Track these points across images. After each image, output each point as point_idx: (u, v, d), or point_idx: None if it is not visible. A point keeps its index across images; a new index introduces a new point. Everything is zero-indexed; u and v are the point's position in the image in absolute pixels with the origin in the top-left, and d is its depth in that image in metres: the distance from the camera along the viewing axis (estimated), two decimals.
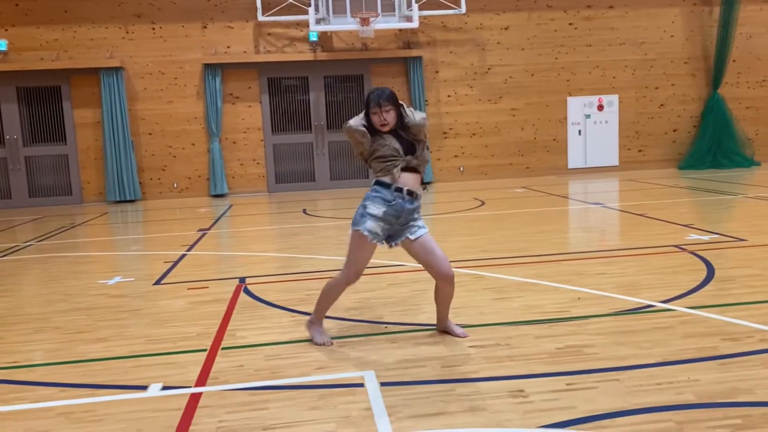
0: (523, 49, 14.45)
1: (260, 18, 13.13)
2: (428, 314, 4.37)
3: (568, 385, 3.08)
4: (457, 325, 3.99)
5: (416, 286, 5.13)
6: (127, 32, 13.35)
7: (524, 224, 8.08)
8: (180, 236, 8.45)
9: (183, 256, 7.02)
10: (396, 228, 3.71)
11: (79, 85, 13.28)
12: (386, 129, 3.60)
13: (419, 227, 3.74)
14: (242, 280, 5.70)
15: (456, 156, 14.55)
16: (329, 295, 3.84)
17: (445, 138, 14.46)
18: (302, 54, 13.68)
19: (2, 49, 12.92)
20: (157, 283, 5.75)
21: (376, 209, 3.60)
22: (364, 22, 12.80)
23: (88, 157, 13.49)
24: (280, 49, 13.77)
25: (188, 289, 5.45)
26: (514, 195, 11.44)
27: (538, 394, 2.99)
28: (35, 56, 13.09)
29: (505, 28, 14.35)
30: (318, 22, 13.00)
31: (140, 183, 13.58)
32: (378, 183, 3.64)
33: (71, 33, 13.19)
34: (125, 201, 13.38)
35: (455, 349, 3.67)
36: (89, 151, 13.48)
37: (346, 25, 13.02)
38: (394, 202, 3.60)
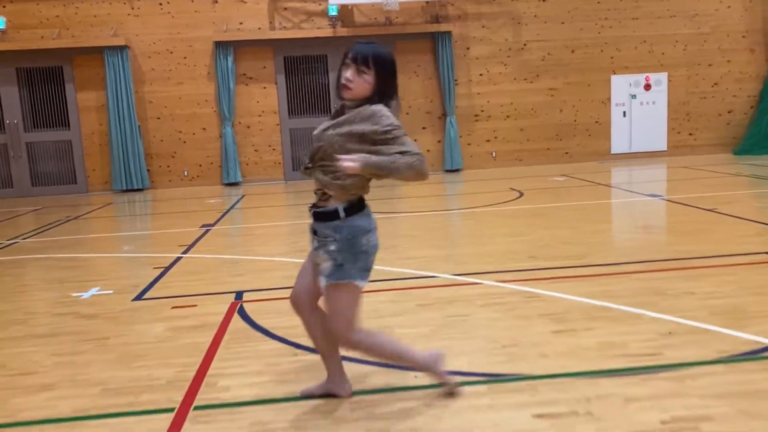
0: (562, 23, 13.17)
1: None
2: (471, 355, 3.31)
3: None
4: (503, 377, 2.92)
5: (451, 309, 4.08)
6: (133, 8, 12.37)
7: (574, 221, 6.95)
8: (180, 234, 7.49)
9: (177, 259, 6.04)
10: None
11: (81, 65, 12.37)
12: (347, 96, 2.53)
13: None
14: (239, 295, 4.69)
15: (488, 140, 13.39)
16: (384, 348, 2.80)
17: (477, 121, 13.30)
18: (321, 30, 12.58)
19: (0, 27, 12.04)
20: (138, 297, 4.78)
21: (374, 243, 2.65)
22: None
23: (92, 143, 12.62)
24: (296, 24, 12.69)
25: (172, 307, 4.47)
26: (555, 184, 10.27)
27: None
28: (35, 35, 12.20)
29: (543, 0, 13.08)
30: None
31: (148, 170, 12.68)
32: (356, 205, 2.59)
33: (73, 9, 12.26)
34: (133, 190, 12.50)
35: (515, 419, 2.62)
36: (94, 136, 12.60)
37: None
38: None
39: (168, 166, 12.77)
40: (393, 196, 10.37)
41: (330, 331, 2.69)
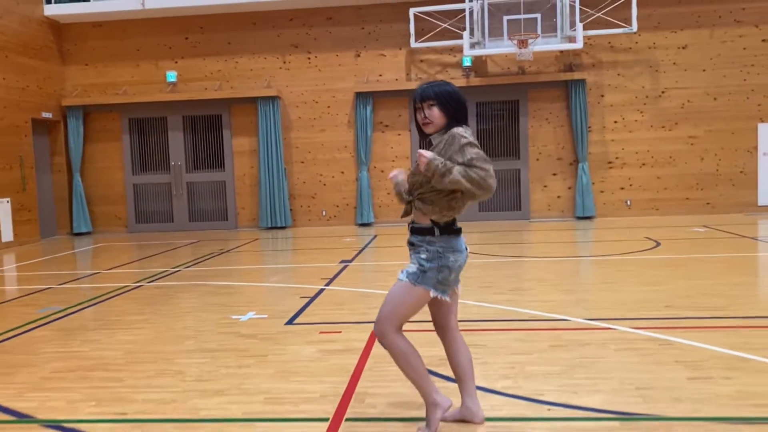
0: (704, 70, 12.80)
1: (413, 45, 12.77)
2: (604, 394, 3.43)
3: None
4: (636, 416, 3.02)
5: (583, 351, 4.19)
6: (284, 62, 13.57)
7: (714, 273, 6.74)
8: (321, 268, 8.07)
9: (321, 291, 6.56)
10: None
11: (238, 113, 13.68)
12: (430, 130, 2.94)
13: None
14: None
15: (622, 188, 13.13)
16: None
17: (611, 168, 13.12)
18: (455, 80, 13.08)
19: (173, 80, 13.65)
20: (290, 322, 5.29)
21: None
22: (522, 44, 11.95)
23: (244, 183, 13.81)
24: (432, 75, 13.30)
25: (320, 333, 4.92)
26: (695, 235, 9.91)
27: None
28: (200, 86, 13.69)
29: (683, 47, 12.81)
30: (473, 46, 12.37)
31: (291, 210, 13.64)
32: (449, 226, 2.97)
33: (233, 64, 13.66)
34: (276, 227, 13.49)
35: None
36: (245, 177, 13.80)
37: (502, 48, 12.26)
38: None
39: (309, 207, 13.68)
40: (522, 241, 10.47)
41: (378, 317, 2.94)
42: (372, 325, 5.09)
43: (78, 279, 8.05)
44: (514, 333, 4.71)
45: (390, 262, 8.71)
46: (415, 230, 2.97)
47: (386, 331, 2.92)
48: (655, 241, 9.31)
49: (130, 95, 13.69)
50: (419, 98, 2.95)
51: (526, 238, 10.81)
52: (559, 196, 13.22)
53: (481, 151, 2.81)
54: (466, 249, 2.98)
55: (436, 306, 3.07)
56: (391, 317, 2.91)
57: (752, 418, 3.05)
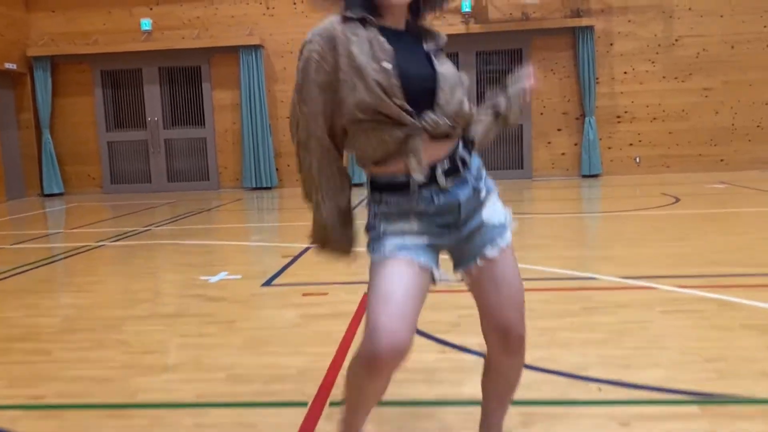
0: (721, 16, 11.86)
1: None
2: (665, 369, 2.64)
3: None
4: (718, 398, 2.22)
5: (625, 315, 3.40)
6: (268, 8, 12.52)
7: (750, 227, 5.96)
8: (307, 226, 7.21)
9: (306, 249, 5.72)
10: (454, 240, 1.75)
11: (218, 64, 12.66)
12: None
13: (500, 226, 1.74)
14: None
15: (631, 144, 12.28)
16: None
17: (619, 122, 12.24)
18: (453, 27, 12.09)
19: (147, 28, 12.59)
20: (267, 283, 4.47)
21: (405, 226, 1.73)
22: None
23: (226, 140, 12.87)
24: (428, 22, 12.27)
25: (303, 294, 4.10)
26: (714, 191, 9.11)
27: None
28: (177, 35, 12.63)
29: None
30: None
31: (277, 170, 12.73)
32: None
33: (212, 10, 12.59)
34: (262, 188, 12.59)
35: None
36: (227, 134, 12.85)
37: None
38: (436, 206, 1.70)
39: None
40: (527, 198, 9.66)
41: (514, 321, 1.77)
42: (365, 285, 4.28)
43: (35, 239, 7.18)
44: (536, 294, 3.90)
45: None
46: (459, 164, 1.71)
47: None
48: (674, 196, 8.50)
49: (102, 45, 12.63)
50: None
51: (532, 195, 9.99)
52: (563, 153, 12.37)
53: None
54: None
55: None
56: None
57: None
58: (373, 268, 1.69)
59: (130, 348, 3.20)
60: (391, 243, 1.68)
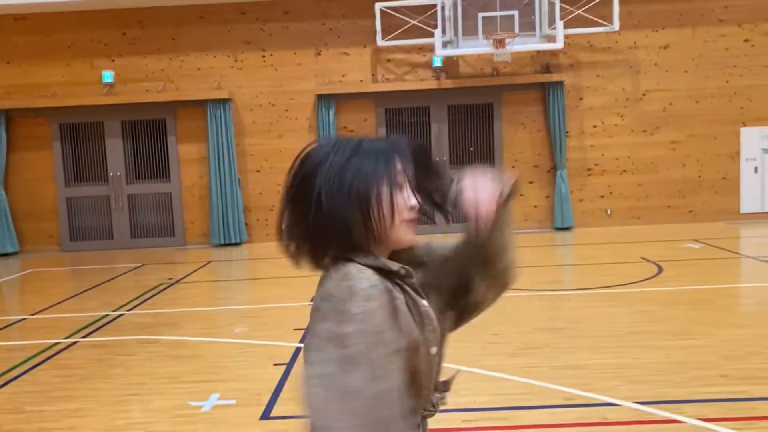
0: (686, 72, 12.15)
1: (379, 43, 11.65)
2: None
3: None
4: None
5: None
6: (236, 61, 12.26)
7: (749, 316, 5.95)
8: (292, 310, 6.93)
9: (298, 351, 5.45)
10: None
11: (184, 117, 12.31)
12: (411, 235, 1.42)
13: None
14: None
15: (602, 196, 12.40)
16: None
17: (590, 175, 12.36)
18: (424, 82, 12.07)
19: (109, 80, 12.16)
20: (266, 415, 4.17)
21: None
22: (499, 44, 11.00)
23: (192, 195, 12.47)
24: (399, 76, 12.23)
25: None
26: (691, 254, 9.19)
27: None
28: (141, 88, 12.24)
29: (664, 47, 12.12)
30: (445, 45, 11.35)
31: (246, 224, 12.38)
32: None
33: (178, 62, 12.26)
34: (230, 244, 12.21)
35: None
36: (194, 189, 12.46)
37: (477, 48, 11.27)
38: None
39: (266, 220, 12.43)
40: None
41: None
42: None
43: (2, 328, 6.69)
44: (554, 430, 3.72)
45: None
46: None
47: None
48: (656, 264, 8.52)
49: (61, 98, 12.13)
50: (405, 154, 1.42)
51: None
52: (536, 206, 12.39)
53: None
54: None
55: None
56: None
57: None
58: None
59: None
60: None
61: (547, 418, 3.90)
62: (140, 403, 4.48)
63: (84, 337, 6.27)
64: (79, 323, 6.76)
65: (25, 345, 6.07)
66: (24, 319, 7.20)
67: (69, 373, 5.19)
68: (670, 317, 6.01)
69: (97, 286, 8.91)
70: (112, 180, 12.42)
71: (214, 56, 12.26)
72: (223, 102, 12.02)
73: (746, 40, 12.08)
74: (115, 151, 12.38)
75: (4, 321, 7.15)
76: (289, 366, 5.08)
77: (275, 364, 5.13)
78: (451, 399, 1.54)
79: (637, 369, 4.67)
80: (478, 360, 4.90)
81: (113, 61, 12.26)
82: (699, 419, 3.75)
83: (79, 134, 12.43)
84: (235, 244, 12.24)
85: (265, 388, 4.61)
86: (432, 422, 1.49)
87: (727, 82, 12.15)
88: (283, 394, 4.51)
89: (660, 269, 8.18)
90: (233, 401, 4.42)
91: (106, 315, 7.11)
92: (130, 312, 7.26)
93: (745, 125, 12.21)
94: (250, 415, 4.17)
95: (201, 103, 12.11)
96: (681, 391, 4.21)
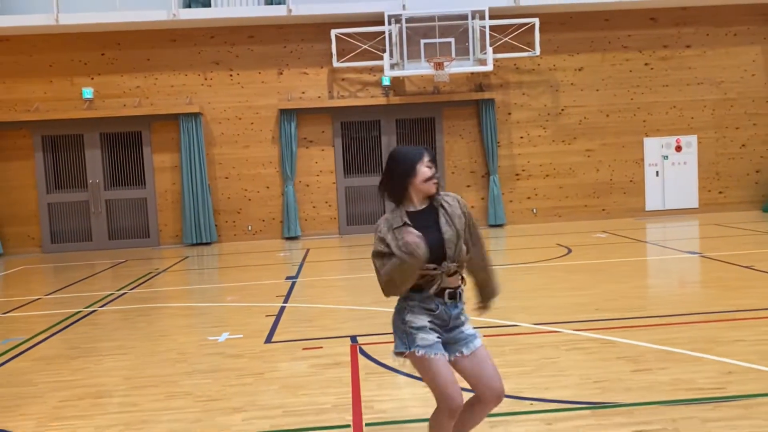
0: (597, 90, 14.24)
1: (335, 64, 13.30)
2: (571, 389, 4.16)
3: None
4: (602, 404, 3.76)
5: (542, 353, 4.93)
6: (206, 79, 13.68)
7: (627, 277, 7.79)
8: (271, 285, 8.43)
9: (283, 309, 6.97)
10: (444, 338, 2.96)
11: (159, 130, 13.63)
12: (436, 189, 2.96)
13: (472, 336, 2.99)
14: (354, 339, 5.58)
15: (529, 198, 14.33)
16: None
17: (518, 179, 14.27)
18: (375, 98, 13.77)
19: (89, 96, 13.38)
20: (269, 340, 5.69)
21: (420, 321, 2.91)
22: (439, 66, 12.82)
23: (165, 200, 13.77)
24: (353, 93, 13.89)
25: (303, 349, 5.37)
26: (598, 241, 11.12)
27: None
28: (118, 103, 13.51)
29: (579, 69, 14.19)
30: (392, 67, 13.09)
31: (216, 225, 13.75)
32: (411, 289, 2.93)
33: (152, 80, 13.60)
34: (201, 244, 13.55)
35: None
36: (167, 194, 13.76)
37: (420, 69, 13.07)
38: (437, 311, 2.93)
39: (234, 222, 13.84)
40: None
41: (500, 388, 2.97)
42: (348, 338, 5.59)
43: (21, 306, 7.94)
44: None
45: (335, 276, 9.20)
46: (457, 295, 2.96)
47: (438, 407, 2.97)
48: (566, 247, 10.40)
49: (43, 112, 13.29)
50: (429, 155, 2.98)
51: None
52: (473, 206, 14.19)
53: None
54: (441, 310, 3.03)
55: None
56: (434, 395, 2.95)
57: (689, 399, 3.87)
58: (423, 363, 2.87)
59: (198, 397, 4.36)
60: (422, 341, 2.91)
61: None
62: (169, 341, 5.92)
63: (101, 306, 7.61)
64: (92, 299, 8.08)
65: (53, 313, 7.37)
66: (39, 299, 8.45)
67: (102, 328, 6.57)
68: (570, 279, 7.82)
69: (93, 275, 10.16)
70: (91, 187, 13.60)
71: (186, 75, 13.66)
72: (195, 116, 13.41)
73: (646, 64, 14.27)
74: (94, 160, 13.58)
75: (23, 300, 8.39)
76: (278, 317, 6.58)
77: (267, 316, 6.64)
78: None
79: (538, 307, 6.41)
80: None
81: (92, 78, 13.50)
82: (572, 330, 5.49)
83: (60, 145, 13.58)
84: (206, 244, 13.59)
85: (263, 329, 6.12)
86: None
87: (632, 99, 14.30)
88: (278, 330, 6.04)
89: (569, 251, 10.05)
90: (241, 335, 5.92)
91: (112, 294, 8.45)
92: (133, 291, 8.61)
93: (647, 135, 14.37)
94: (256, 342, 5.67)
95: (174, 117, 13.46)
96: (565, 318, 5.95)
